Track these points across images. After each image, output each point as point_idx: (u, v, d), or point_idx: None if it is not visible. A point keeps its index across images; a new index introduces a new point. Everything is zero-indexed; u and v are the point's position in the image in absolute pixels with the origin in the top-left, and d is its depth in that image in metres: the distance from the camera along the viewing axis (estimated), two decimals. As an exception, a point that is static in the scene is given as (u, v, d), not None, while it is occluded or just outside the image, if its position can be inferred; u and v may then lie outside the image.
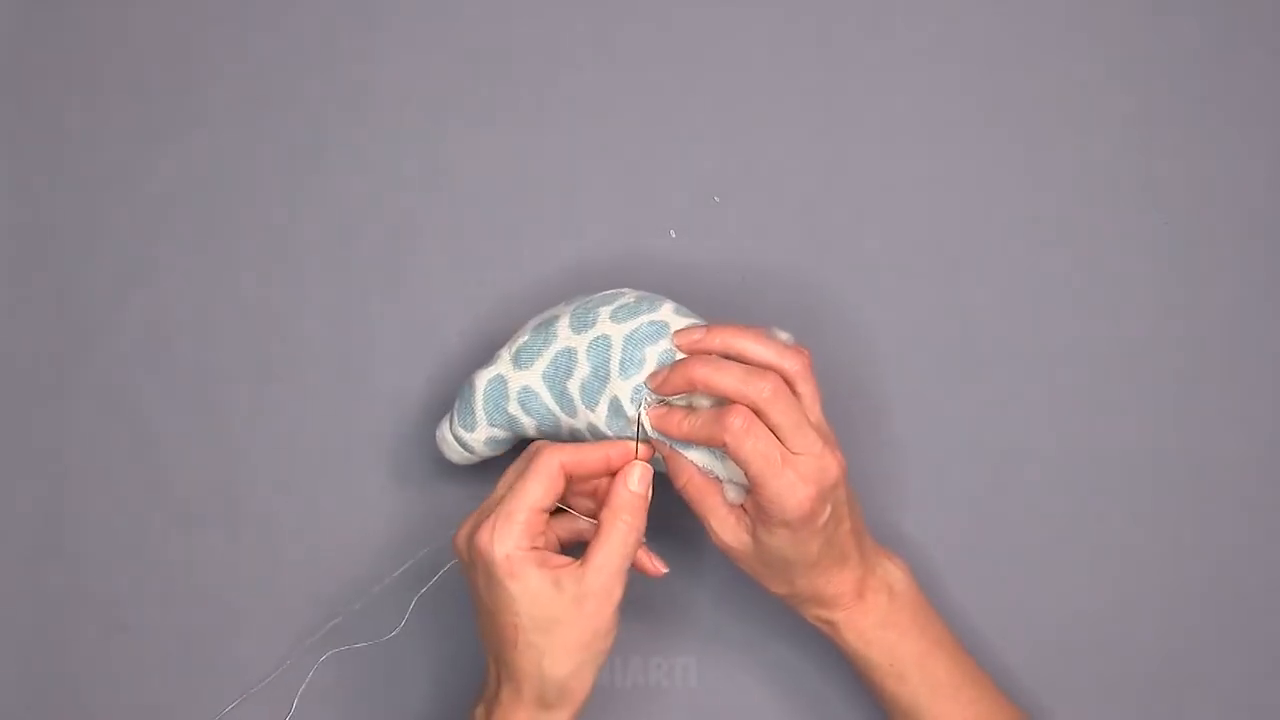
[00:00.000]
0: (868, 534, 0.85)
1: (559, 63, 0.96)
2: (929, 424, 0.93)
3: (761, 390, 0.78)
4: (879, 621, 0.84)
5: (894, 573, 0.85)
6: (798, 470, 0.78)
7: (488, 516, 0.79)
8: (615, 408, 0.82)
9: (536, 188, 0.96)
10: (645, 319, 0.83)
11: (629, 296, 0.85)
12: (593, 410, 0.83)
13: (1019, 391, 0.94)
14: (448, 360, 0.94)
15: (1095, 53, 0.96)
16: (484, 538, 0.78)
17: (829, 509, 0.79)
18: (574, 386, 0.83)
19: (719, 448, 0.79)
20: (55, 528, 0.94)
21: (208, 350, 0.95)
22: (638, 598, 0.92)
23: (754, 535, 0.81)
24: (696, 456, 0.81)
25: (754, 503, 0.80)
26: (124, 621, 0.93)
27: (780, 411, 0.78)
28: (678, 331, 0.82)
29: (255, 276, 0.96)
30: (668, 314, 0.83)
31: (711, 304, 0.92)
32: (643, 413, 0.81)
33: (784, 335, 0.82)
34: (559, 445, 0.81)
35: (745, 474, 0.79)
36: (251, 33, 0.97)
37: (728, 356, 0.80)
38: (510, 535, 0.78)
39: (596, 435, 0.83)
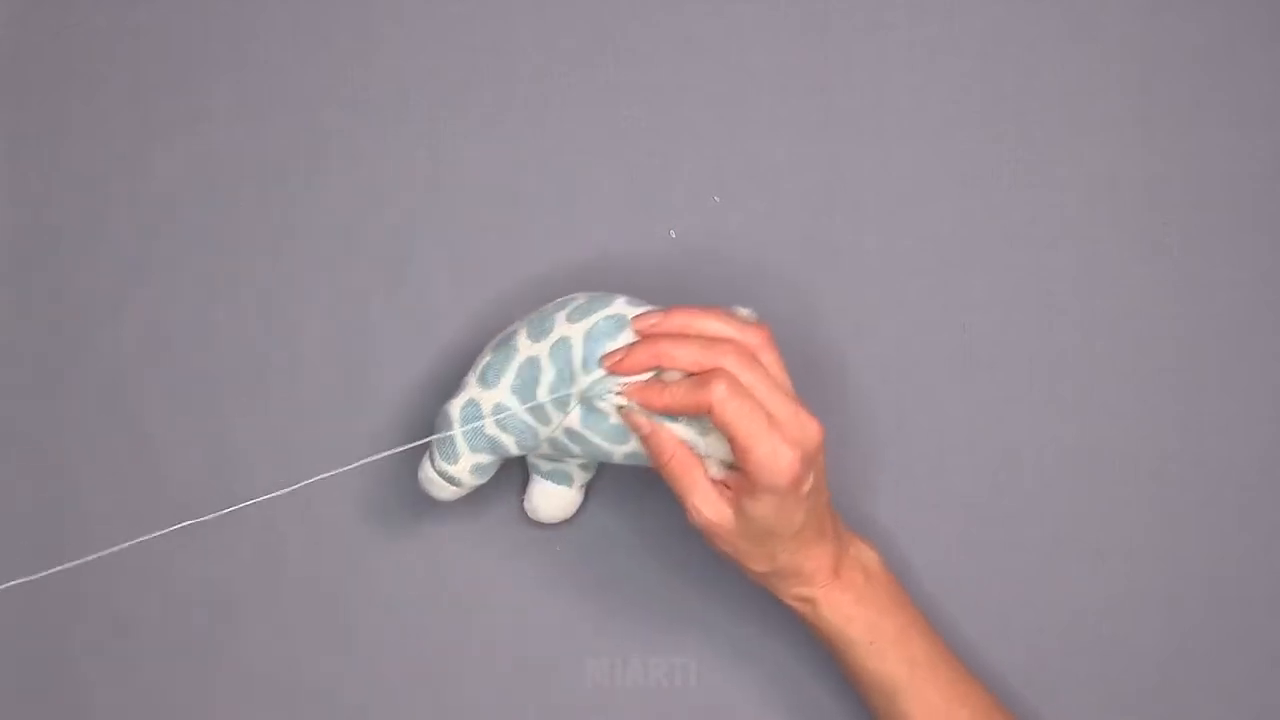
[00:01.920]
0: (838, 513, 0.86)
1: (559, 62, 0.96)
2: (929, 424, 0.93)
3: (724, 356, 0.78)
4: (857, 598, 0.84)
5: (866, 553, 0.86)
6: (783, 434, 0.78)
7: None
8: (587, 405, 0.82)
9: (536, 187, 0.96)
10: (601, 315, 0.82)
11: (581, 298, 0.84)
12: (565, 413, 0.82)
13: (1019, 392, 0.93)
14: (448, 360, 0.94)
15: (1095, 52, 0.95)
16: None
17: (812, 476, 0.79)
18: (543, 394, 0.82)
19: (704, 414, 0.78)
20: (55, 528, 0.94)
21: (207, 350, 0.95)
22: (638, 597, 0.92)
23: (737, 508, 0.80)
24: (677, 430, 0.81)
25: (737, 476, 0.80)
26: (124, 621, 0.93)
27: (746, 375, 0.78)
28: (636, 317, 0.81)
29: (255, 276, 0.96)
30: (620, 306, 0.83)
31: (711, 304, 0.92)
32: (616, 397, 0.81)
33: (745, 312, 0.82)
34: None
35: (731, 440, 0.78)
36: (251, 33, 0.97)
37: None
38: None
39: (575, 438, 0.83)
